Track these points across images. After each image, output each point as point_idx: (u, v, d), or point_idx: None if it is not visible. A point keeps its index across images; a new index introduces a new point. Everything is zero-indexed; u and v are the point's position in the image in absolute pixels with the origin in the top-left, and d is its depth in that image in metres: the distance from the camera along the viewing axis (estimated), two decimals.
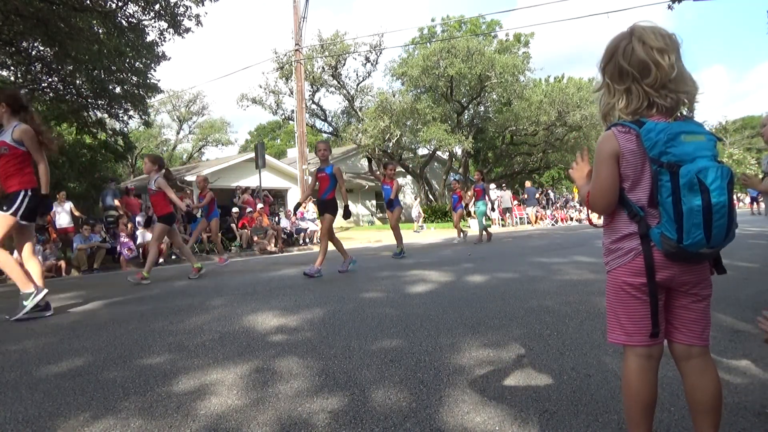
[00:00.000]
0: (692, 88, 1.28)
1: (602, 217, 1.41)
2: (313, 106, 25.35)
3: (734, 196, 1.17)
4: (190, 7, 12.02)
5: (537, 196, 20.23)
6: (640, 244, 1.28)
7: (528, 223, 19.17)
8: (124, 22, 12.01)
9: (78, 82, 13.40)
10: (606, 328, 1.38)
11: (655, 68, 1.24)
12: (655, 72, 1.24)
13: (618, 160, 1.29)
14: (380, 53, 23.22)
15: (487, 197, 11.37)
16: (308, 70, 21.42)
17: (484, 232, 11.30)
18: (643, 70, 1.25)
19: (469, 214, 12.37)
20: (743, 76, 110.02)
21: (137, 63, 13.77)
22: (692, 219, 1.18)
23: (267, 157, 17.96)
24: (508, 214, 19.12)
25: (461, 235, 11.79)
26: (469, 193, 11.87)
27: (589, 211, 1.40)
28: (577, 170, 1.53)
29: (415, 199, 20.09)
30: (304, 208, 14.86)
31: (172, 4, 11.83)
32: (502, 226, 18.79)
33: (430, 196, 26.43)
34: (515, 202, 19.31)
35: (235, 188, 15.26)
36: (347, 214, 6.26)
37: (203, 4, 12.06)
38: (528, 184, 20.13)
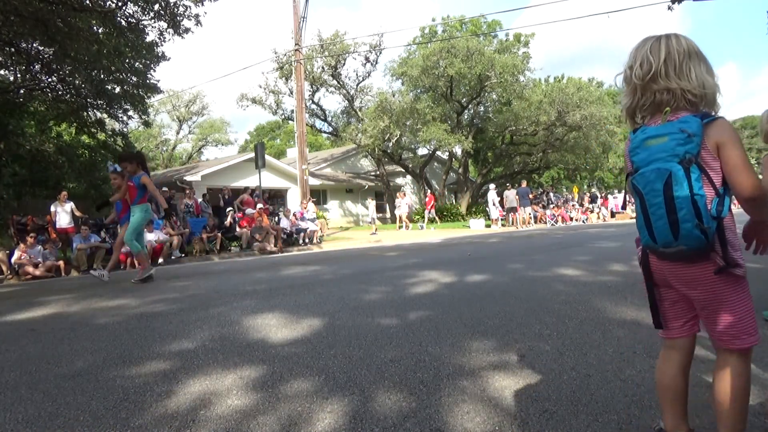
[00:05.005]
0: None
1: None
2: (313, 106, 25.29)
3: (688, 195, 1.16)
4: (190, 7, 11.99)
5: (530, 196, 20.00)
6: None
7: (512, 224, 18.76)
8: (123, 22, 11.97)
9: (77, 82, 13.37)
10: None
11: None
12: None
13: None
14: (380, 53, 23.18)
15: (153, 204, 6.79)
16: (308, 70, 21.39)
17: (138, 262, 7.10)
18: None
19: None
20: (753, 75, 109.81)
21: (137, 63, 13.75)
22: (638, 221, 1.32)
23: (267, 157, 17.94)
24: (512, 214, 19.02)
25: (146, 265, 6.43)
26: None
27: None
28: None
29: (402, 198, 19.77)
30: (304, 208, 14.84)
31: (172, 4, 11.80)
32: (503, 225, 18.78)
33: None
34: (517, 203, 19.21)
35: (222, 188, 15.20)
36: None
37: (203, 4, 12.01)
38: (524, 184, 19.97)
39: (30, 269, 8.61)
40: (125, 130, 16.51)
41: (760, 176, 3.27)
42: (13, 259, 8.75)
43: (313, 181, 20.54)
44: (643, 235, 1.33)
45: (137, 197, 6.39)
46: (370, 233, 17.12)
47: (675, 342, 1.42)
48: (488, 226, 19.17)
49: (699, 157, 1.24)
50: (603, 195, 28.25)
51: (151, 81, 14.30)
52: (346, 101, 24.74)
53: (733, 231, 1.28)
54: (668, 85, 1.31)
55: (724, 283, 1.28)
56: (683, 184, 1.21)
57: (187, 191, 13.68)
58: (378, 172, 25.83)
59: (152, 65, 14.05)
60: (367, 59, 23.08)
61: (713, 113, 1.32)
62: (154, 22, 12.30)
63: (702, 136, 1.24)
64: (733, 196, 1.28)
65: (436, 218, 19.23)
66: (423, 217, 19.49)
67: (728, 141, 1.23)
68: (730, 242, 1.25)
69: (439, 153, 26.37)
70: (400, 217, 19.22)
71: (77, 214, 10.66)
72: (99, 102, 14.23)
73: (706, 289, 1.30)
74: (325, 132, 29.43)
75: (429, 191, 20.65)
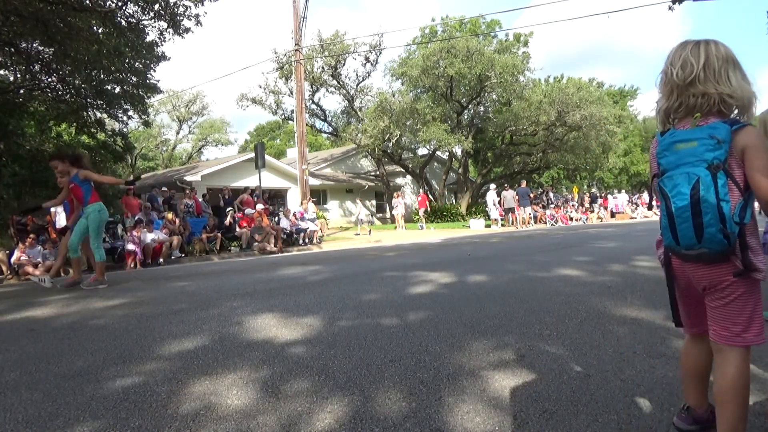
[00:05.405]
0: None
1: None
2: (313, 106, 25.30)
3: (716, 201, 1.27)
4: (190, 6, 11.99)
5: (530, 196, 19.99)
6: None
7: (512, 224, 18.70)
8: (123, 22, 11.97)
9: (77, 82, 13.37)
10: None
11: None
12: None
13: None
14: (380, 53, 23.18)
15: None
16: (308, 70, 21.38)
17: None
18: None
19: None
20: (752, 75, 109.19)
21: (137, 63, 13.73)
22: (662, 222, 1.37)
23: (267, 157, 17.92)
24: (510, 214, 19.01)
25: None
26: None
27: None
28: None
29: (398, 198, 19.78)
30: (304, 208, 14.83)
31: (172, 4, 11.79)
32: (503, 225, 18.78)
33: (430, 196, 26.45)
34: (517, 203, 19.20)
35: (222, 188, 15.18)
36: None
37: (203, 4, 12.00)
38: (524, 184, 19.95)
39: (30, 269, 8.60)
40: (125, 130, 16.51)
41: None
42: (12, 259, 8.75)
43: (313, 181, 20.54)
44: (666, 236, 1.37)
45: (86, 196, 5.68)
46: (355, 233, 17.14)
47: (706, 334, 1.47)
48: (488, 226, 19.17)
49: (726, 163, 1.27)
50: (603, 195, 28.24)
51: (151, 81, 14.29)
52: (346, 101, 24.73)
53: (755, 236, 1.32)
54: (706, 89, 1.34)
55: (740, 284, 1.32)
56: (710, 190, 1.24)
57: (188, 191, 13.68)
58: (378, 172, 25.83)
59: (152, 65, 14.04)
60: (367, 59, 23.08)
61: (744, 120, 1.35)
62: (154, 22, 12.29)
63: (730, 143, 1.27)
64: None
65: (422, 218, 19.34)
66: (422, 218, 19.57)
67: (753, 146, 1.27)
68: (751, 247, 1.28)
69: (439, 153, 26.37)
70: (397, 218, 19.27)
71: None
72: (99, 102, 14.22)
73: (722, 289, 1.34)
74: (325, 132, 29.44)
75: (421, 191, 20.66)
